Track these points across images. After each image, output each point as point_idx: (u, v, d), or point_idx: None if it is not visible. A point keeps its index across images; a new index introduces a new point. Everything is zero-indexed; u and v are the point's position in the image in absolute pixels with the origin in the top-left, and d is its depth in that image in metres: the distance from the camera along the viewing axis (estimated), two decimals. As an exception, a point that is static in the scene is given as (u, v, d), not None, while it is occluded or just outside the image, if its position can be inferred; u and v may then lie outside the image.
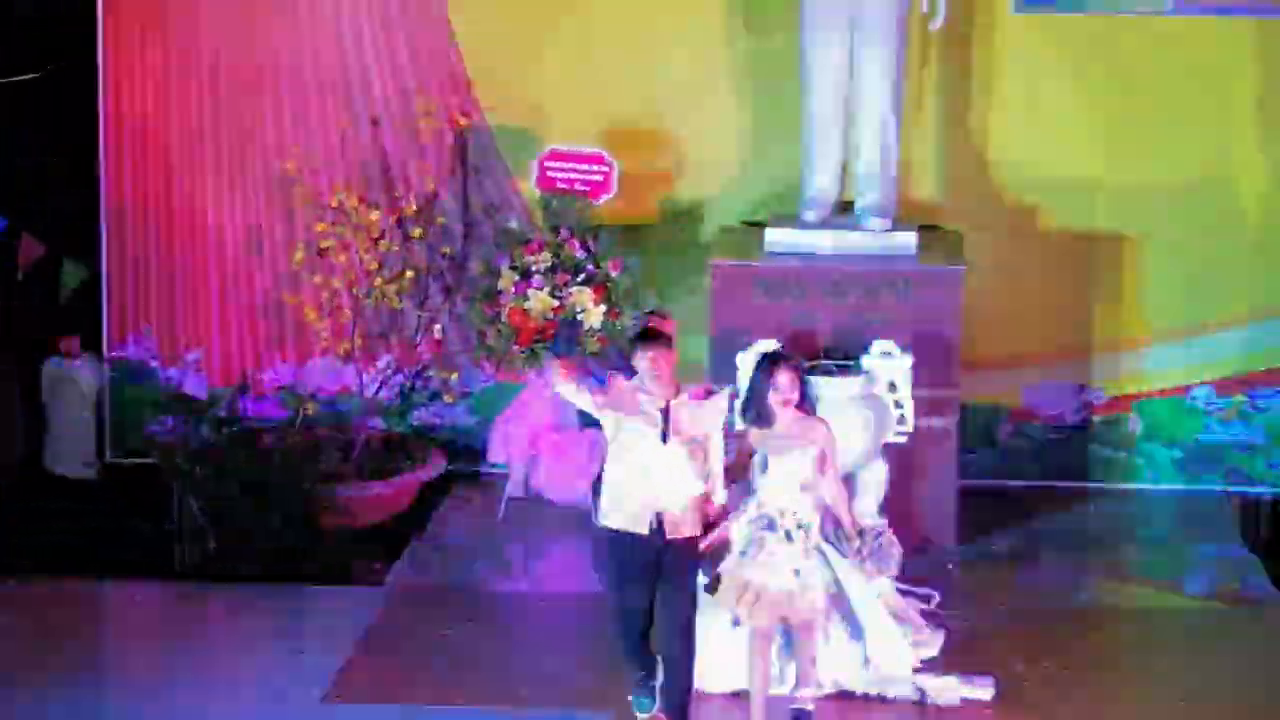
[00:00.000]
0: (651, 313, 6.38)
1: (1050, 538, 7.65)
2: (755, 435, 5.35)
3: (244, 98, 8.08)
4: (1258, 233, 8.00)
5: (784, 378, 5.24)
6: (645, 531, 4.90)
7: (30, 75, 7.78)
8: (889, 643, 5.79)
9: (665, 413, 4.87)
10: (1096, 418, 8.17)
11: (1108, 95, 8.07)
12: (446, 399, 7.95)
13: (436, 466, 7.80)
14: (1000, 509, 7.73)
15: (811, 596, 5.33)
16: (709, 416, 5.10)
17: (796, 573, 5.26)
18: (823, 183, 7.47)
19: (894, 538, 5.75)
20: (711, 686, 5.66)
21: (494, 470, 7.96)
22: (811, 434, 5.29)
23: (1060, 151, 8.07)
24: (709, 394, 5.23)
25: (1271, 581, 6.98)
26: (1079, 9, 7.86)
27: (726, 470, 5.26)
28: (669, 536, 4.94)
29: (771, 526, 5.26)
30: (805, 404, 5.39)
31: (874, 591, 5.87)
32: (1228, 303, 8.04)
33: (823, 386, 6.26)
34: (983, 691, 5.83)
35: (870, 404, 6.58)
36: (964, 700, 5.76)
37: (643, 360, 4.94)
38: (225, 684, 5.81)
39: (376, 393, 7.73)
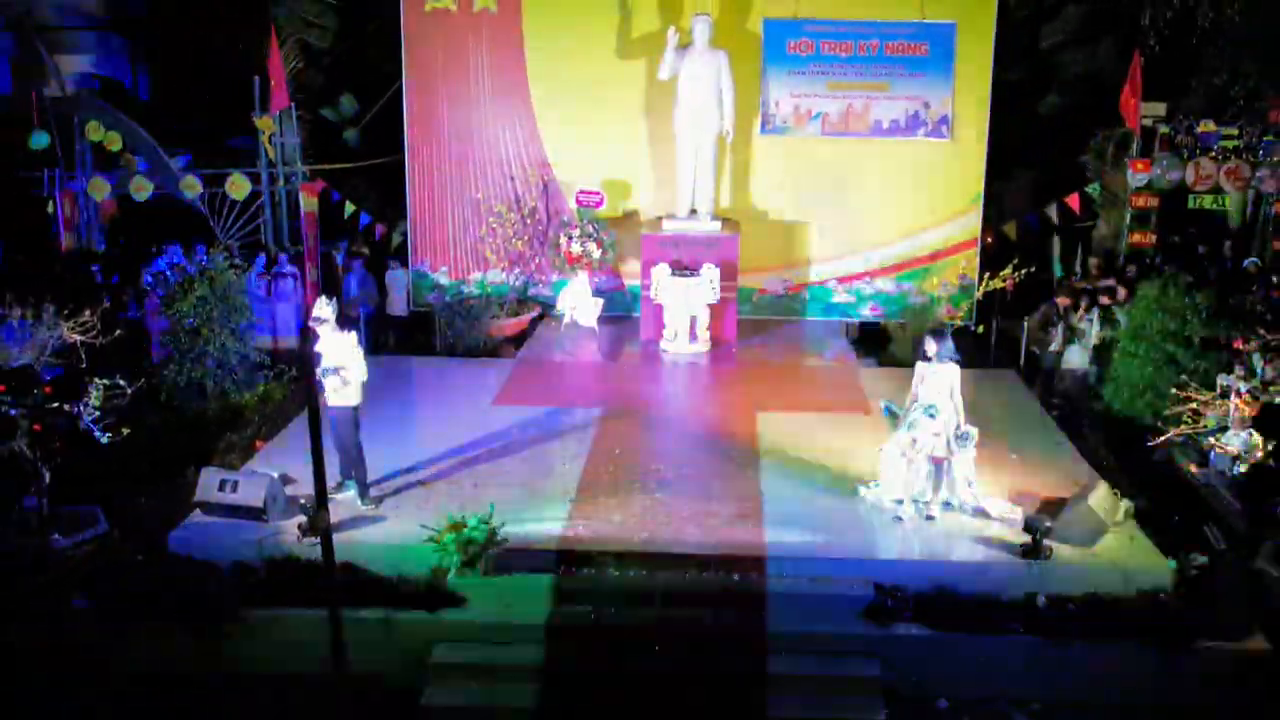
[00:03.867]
0: None
1: (760, 335, 18.13)
2: (920, 366, 11.32)
3: (466, 161, 18.73)
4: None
5: (932, 346, 11.16)
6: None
7: (386, 159, 18.48)
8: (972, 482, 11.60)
9: None
10: (793, 292, 18.71)
11: (799, 173, 18.09)
12: (539, 283, 18.92)
13: (535, 312, 18.76)
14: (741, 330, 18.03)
15: (940, 445, 11.22)
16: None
17: (935, 435, 11.25)
18: (684, 201, 17.90)
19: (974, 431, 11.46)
20: (888, 492, 11.77)
21: (560, 314, 18.27)
22: (946, 369, 11.27)
23: (775, 192, 18.32)
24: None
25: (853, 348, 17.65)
26: (783, 134, 18.09)
27: None
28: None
29: (927, 412, 11.19)
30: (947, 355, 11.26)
31: (969, 455, 11.53)
32: (858, 242, 18.62)
33: (680, 282, 17.10)
34: (1014, 514, 11.43)
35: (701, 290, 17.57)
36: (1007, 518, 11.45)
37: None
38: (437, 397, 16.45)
39: (514, 282, 18.81)
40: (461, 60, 18.16)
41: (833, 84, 17.82)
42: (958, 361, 11.45)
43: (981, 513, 11.63)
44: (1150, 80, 18.02)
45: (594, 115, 18.17)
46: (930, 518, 11.58)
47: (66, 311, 11.45)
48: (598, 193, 18.14)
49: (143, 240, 19.78)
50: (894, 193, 18.09)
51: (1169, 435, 11.88)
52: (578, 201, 18.11)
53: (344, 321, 17.80)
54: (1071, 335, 16.86)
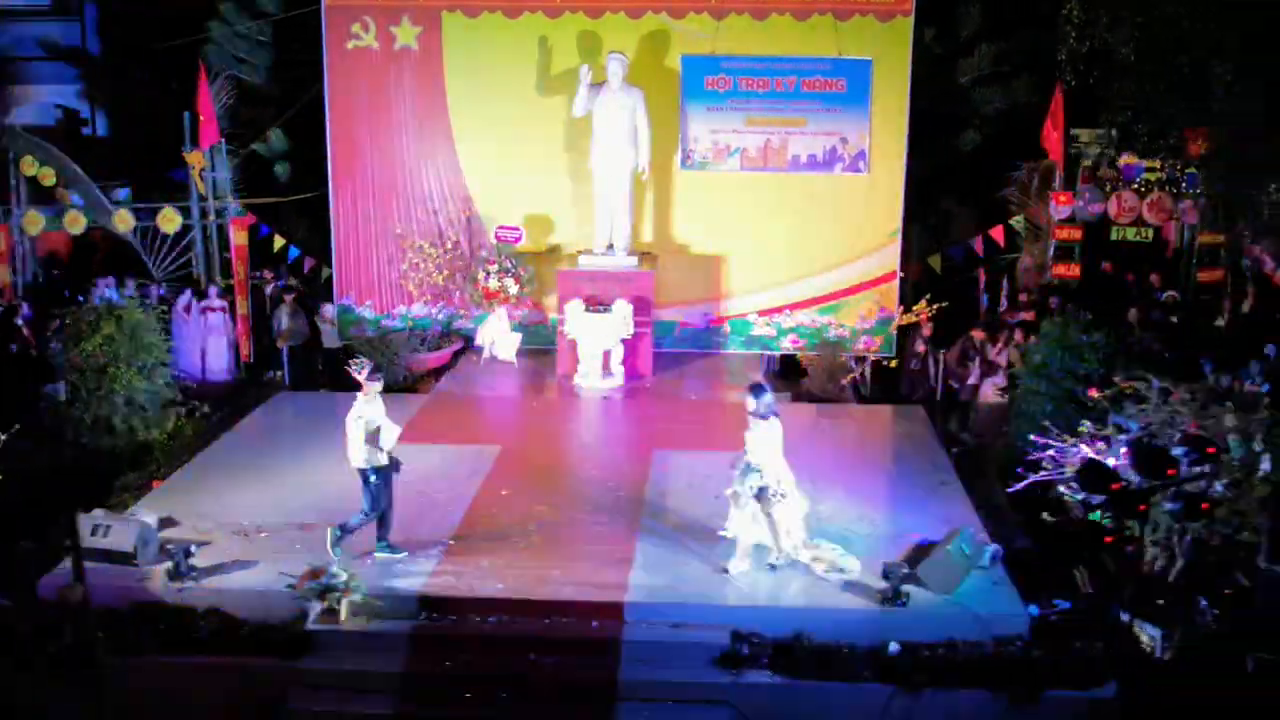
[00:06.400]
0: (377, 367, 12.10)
1: (678, 368, 18.04)
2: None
3: (389, 195, 18.88)
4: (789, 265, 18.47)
5: (750, 402, 11.18)
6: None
7: (313, 194, 18.71)
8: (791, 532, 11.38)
9: None
10: (714, 325, 18.69)
11: (719, 207, 18.21)
12: (463, 316, 19.03)
13: (457, 345, 18.87)
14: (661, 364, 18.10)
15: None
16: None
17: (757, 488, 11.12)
18: (602, 236, 17.92)
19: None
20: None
21: (479, 347, 18.48)
22: (767, 425, 11.12)
23: (696, 226, 18.43)
24: None
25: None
26: (702, 170, 18.19)
27: None
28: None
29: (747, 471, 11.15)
30: (757, 409, 11.07)
31: (790, 508, 11.28)
32: (778, 275, 18.62)
33: (592, 318, 17.16)
34: (847, 564, 11.41)
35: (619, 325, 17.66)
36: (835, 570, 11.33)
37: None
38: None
39: (438, 316, 18.96)
40: (384, 97, 18.34)
41: (751, 119, 17.93)
42: (774, 415, 11.36)
43: (806, 566, 11.56)
44: (1070, 113, 18.07)
45: (516, 151, 18.34)
46: (772, 567, 11.59)
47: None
48: (516, 228, 18.29)
49: (81, 273, 20.01)
50: (813, 226, 18.20)
51: (1027, 480, 11.91)
52: (496, 237, 18.27)
53: (273, 354, 18.20)
54: (988, 369, 16.99)
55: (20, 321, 17.44)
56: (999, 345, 16.94)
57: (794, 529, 11.45)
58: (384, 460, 11.61)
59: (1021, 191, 19.08)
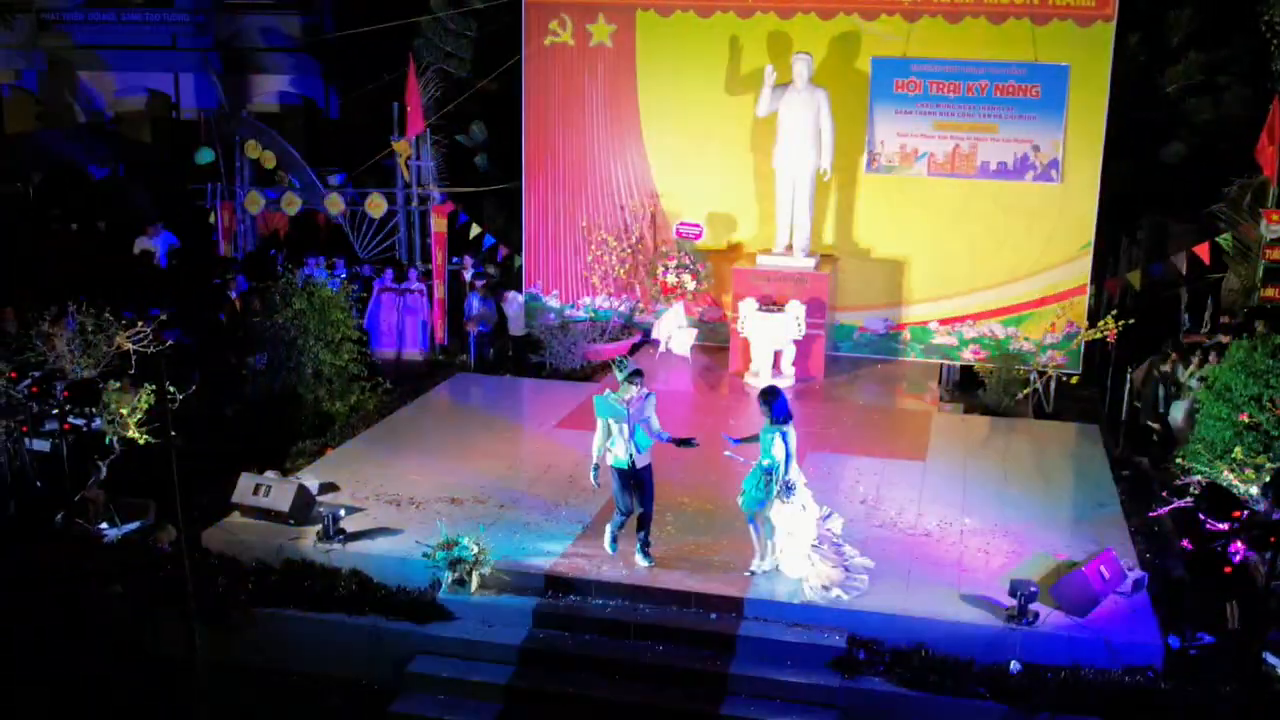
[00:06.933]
0: (635, 371, 11.38)
1: (851, 373, 17.86)
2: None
3: (578, 189, 19.36)
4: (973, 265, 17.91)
5: (764, 408, 10.84)
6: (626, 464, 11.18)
7: (505, 185, 19.38)
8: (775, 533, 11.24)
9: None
10: (894, 332, 18.46)
11: (904, 212, 17.93)
12: (643, 310, 19.34)
13: (636, 338, 19.20)
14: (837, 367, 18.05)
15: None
16: (649, 407, 11.22)
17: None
18: (782, 237, 17.98)
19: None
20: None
21: (656, 340, 18.78)
22: (774, 431, 10.84)
23: (880, 230, 18.16)
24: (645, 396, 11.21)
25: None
26: (888, 173, 17.97)
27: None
28: (638, 465, 11.22)
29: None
30: (770, 415, 10.77)
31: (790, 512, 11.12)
32: (961, 284, 18.11)
33: (764, 317, 17.22)
34: (853, 584, 11.09)
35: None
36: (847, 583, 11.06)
37: (630, 389, 11.00)
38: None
39: (620, 308, 19.31)
40: (577, 92, 18.81)
41: (939, 124, 17.61)
42: (789, 421, 11.10)
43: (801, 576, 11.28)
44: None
45: (702, 149, 18.52)
46: (751, 573, 11.54)
47: (125, 320, 12.53)
48: (697, 225, 18.49)
49: (298, 253, 21.25)
50: (1001, 235, 17.72)
51: (1171, 505, 11.36)
52: (677, 233, 18.51)
53: (462, 337, 18.93)
54: (1177, 391, 16.25)
55: (234, 295, 18.71)
56: (1191, 367, 16.16)
57: (800, 532, 11.19)
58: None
59: (1231, 208, 18.07)
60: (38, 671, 10.74)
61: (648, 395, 11.31)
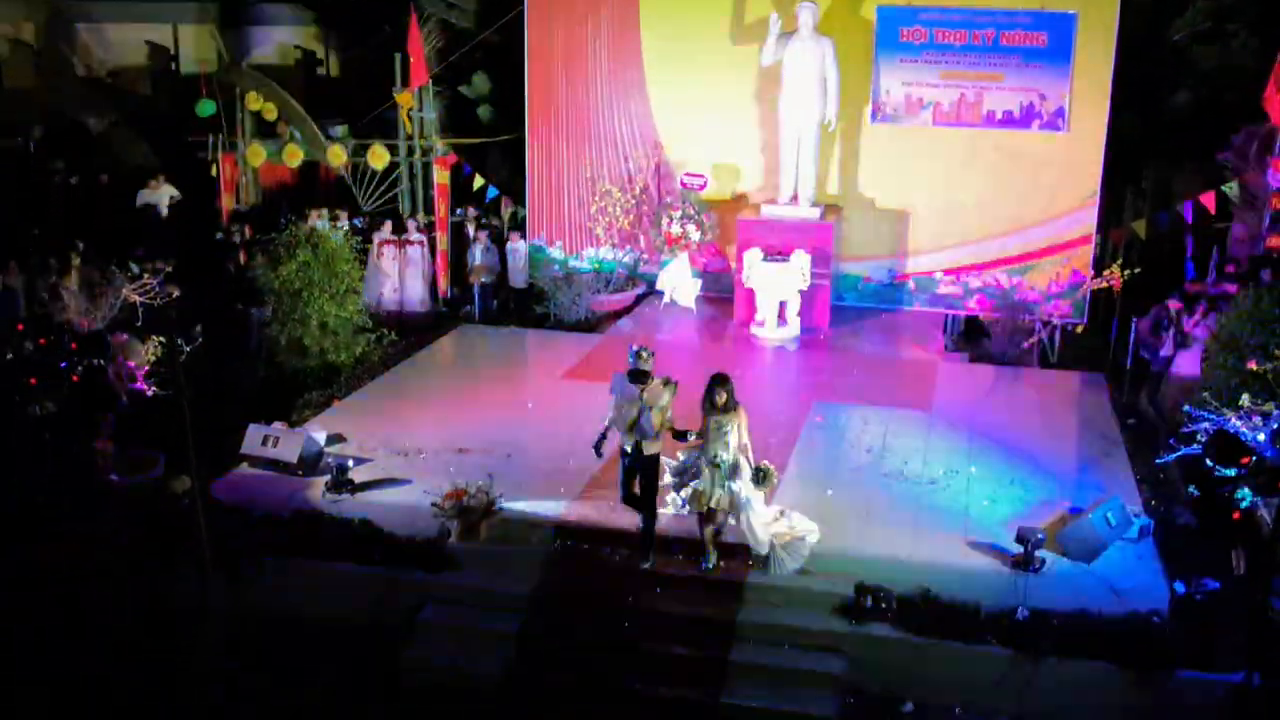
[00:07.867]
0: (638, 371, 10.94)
1: (856, 322, 17.85)
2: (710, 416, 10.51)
3: (582, 140, 19.28)
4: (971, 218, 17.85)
5: (722, 394, 10.45)
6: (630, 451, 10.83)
7: (513, 136, 19.28)
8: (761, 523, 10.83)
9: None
10: (899, 282, 18.45)
11: (909, 162, 17.81)
12: (647, 261, 19.33)
13: (640, 289, 19.21)
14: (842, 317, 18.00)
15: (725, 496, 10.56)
16: (665, 395, 10.68)
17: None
18: (786, 187, 17.97)
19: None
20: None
21: (660, 292, 18.87)
22: (737, 416, 10.52)
23: (885, 180, 18.09)
24: (665, 383, 10.62)
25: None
26: (893, 123, 17.90)
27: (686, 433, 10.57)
28: (645, 452, 10.82)
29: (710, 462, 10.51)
30: (730, 400, 10.45)
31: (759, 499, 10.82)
32: (967, 234, 18.12)
33: (769, 267, 17.22)
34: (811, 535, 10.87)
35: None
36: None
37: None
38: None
39: (624, 259, 19.28)
40: (580, 43, 18.72)
41: (945, 73, 17.52)
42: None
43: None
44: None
45: (707, 99, 18.41)
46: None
47: (132, 273, 12.52)
48: (701, 175, 18.42)
49: (301, 205, 21.14)
50: (1006, 185, 17.67)
51: (1177, 453, 11.39)
52: (682, 184, 18.45)
53: (465, 288, 18.89)
54: (1183, 341, 16.22)
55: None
56: (1196, 317, 16.12)
57: (759, 510, 10.98)
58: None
59: (1238, 156, 17.98)
60: (38, 671, 10.71)
61: (668, 383, 10.88)
